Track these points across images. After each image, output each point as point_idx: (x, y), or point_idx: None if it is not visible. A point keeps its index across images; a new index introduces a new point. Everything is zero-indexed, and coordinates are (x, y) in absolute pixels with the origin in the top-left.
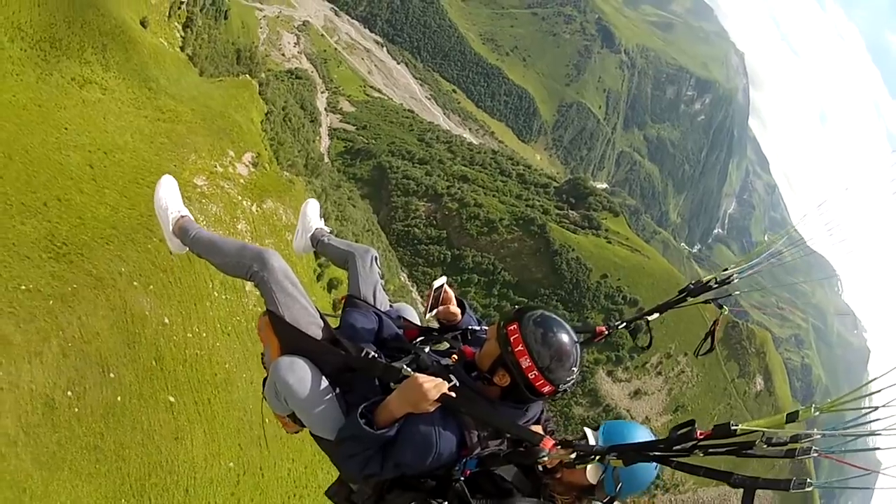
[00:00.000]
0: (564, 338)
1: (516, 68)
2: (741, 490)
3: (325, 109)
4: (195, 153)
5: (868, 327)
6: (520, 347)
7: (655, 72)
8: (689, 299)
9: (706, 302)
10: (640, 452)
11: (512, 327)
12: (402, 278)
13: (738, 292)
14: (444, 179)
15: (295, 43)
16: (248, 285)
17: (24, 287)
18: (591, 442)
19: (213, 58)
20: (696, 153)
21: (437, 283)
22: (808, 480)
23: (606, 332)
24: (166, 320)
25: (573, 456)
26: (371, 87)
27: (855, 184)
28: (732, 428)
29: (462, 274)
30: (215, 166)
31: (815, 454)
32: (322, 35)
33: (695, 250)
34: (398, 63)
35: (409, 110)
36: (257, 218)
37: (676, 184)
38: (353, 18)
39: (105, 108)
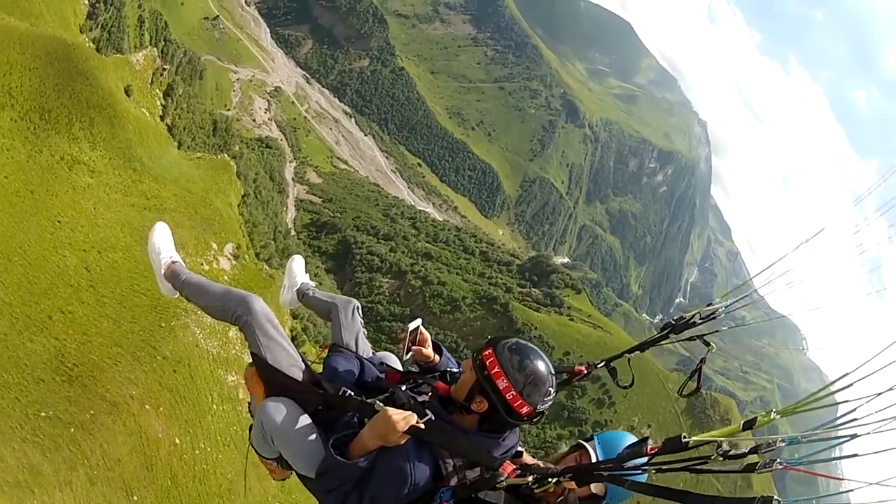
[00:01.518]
0: (539, 363)
1: (481, 143)
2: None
3: (293, 180)
4: (182, 250)
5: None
6: (496, 370)
7: (618, 145)
8: (672, 335)
9: (690, 339)
10: (591, 473)
11: (487, 352)
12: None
13: (724, 328)
14: (407, 256)
15: (266, 109)
16: (241, 392)
17: (44, 414)
18: (592, 456)
19: (191, 129)
20: (657, 224)
21: (411, 326)
22: (774, 497)
23: (586, 372)
24: (177, 440)
25: (530, 479)
26: (338, 157)
27: (813, 239)
28: (684, 440)
29: None
30: (202, 264)
31: (780, 467)
32: (293, 102)
33: (656, 320)
34: (365, 135)
35: (374, 184)
36: None
37: (638, 255)
38: (323, 87)
39: (94, 195)
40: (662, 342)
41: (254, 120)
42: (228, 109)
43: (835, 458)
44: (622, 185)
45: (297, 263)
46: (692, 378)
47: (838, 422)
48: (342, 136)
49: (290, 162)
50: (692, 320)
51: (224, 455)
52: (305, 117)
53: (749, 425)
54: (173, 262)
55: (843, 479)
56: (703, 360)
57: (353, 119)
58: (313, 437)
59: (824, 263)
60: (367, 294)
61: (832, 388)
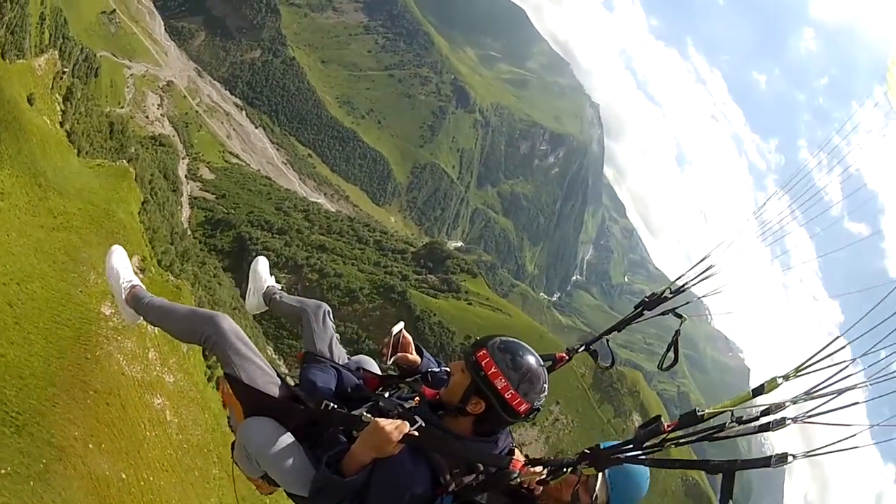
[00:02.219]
0: (531, 359)
1: (371, 131)
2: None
3: (186, 177)
4: (94, 271)
5: (743, 348)
6: (493, 370)
7: (509, 129)
8: (646, 313)
9: (664, 313)
10: (610, 457)
11: (481, 353)
12: (269, 352)
13: (696, 299)
14: (303, 249)
15: (158, 105)
16: (168, 413)
17: (3, 472)
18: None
19: (89, 133)
20: (550, 205)
21: (395, 330)
22: (789, 453)
23: (567, 358)
24: (123, 475)
25: (545, 472)
26: (230, 152)
27: (712, 206)
28: (699, 414)
29: None
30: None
31: (791, 422)
32: (185, 97)
33: (554, 298)
34: (256, 127)
35: (266, 177)
36: (164, 345)
37: (532, 236)
38: (215, 80)
39: (6, 220)
40: (638, 319)
41: (147, 117)
42: (122, 107)
43: (847, 406)
44: (513, 168)
45: (262, 265)
46: (669, 351)
47: (833, 379)
48: (233, 129)
49: (182, 159)
50: (663, 295)
51: (164, 481)
52: (197, 112)
53: (758, 392)
54: (133, 287)
55: (847, 426)
56: (678, 333)
57: (244, 112)
58: (298, 455)
59: (723, 235)
60: None
61: (828, 350)
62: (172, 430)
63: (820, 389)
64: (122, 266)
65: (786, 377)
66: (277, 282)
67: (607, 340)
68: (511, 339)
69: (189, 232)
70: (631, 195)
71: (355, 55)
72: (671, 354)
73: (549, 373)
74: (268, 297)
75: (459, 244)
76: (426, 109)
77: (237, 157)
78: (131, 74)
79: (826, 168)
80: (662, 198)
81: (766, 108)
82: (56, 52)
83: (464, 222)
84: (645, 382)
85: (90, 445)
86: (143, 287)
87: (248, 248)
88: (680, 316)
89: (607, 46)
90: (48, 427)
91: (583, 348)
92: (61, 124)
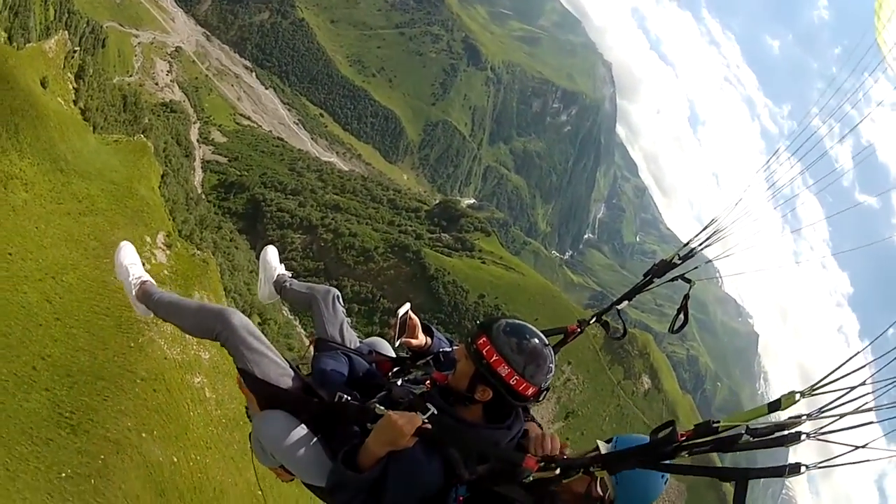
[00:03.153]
0: (536, 341)
1: (382, 89)
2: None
3: (198, 141)
4: None
5: (753, 314)
6: (494, 357)
7: (521, 86)
8: (656, 280)
9: (673, 280)
10: (623, 460)
11: (481, 341)
12: (285, 313)
13: (706, 262)
14: (317, 210)
15: (167, 71)
16: (207, 391)
17: (64, 475)
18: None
19: (103, 108)
20: (562, 163)
21: (401, 312)
22: (802, 463)
23: (579, 330)
24: (174, 459)
25: (557, 471)
26: (241, 114)
27: (723, 171)
28: (714, 425)
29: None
30: (144, 264)
31: (806, 438)
32: (193, 61)
33: (566, 256)
34: (266, 88)
35: (278, 138)
36: None
37: (544, 194)
38: (224, 43)
39: (33, 212)
40: (648, 287)
41: (156, 84)
42: (131, 75)
43: (861, 425)
44: (526, 125)
45: (271, 254)
46: (679, 314)
47: (849, 396)
48: (244, 91)
49: (193, 123)
50: (672, 261)
51: (210, 459)
52: (207, 75)
53: (775, 407)
54: (143, 283)
55: (858, 447)
56: (687, 297)
57: (253, 73)
58: (313, 448)
59: (735, 199)
60: (281, 251)
61: (843, 371)
62: (212, 406)
63: (834, 407)
64: (132, 262)
65: (803, 394)
66: (288, 270)
67: (619, 311)
68: (513, 320)
69: (203, 196)
70: (643, 155)
71: (365, 14)
72: (682, 317)
73: (562, 345)
74: (279, 285)
75: (472, 201)
76: (437, 67)
77: (248, 118)
78: (139, 43)
79: (837, 136)
80: (675, 158)
81: (779, 74)
82: (66, 32)
83: (476, 179)
84: (655, 345)
85: (143, 434)
86: (154, 283)
87: (262, 209)
88: (689, 281)
89: (619, 5)
90: (102, 422)
91: (594, 319)
92: (75, 102)
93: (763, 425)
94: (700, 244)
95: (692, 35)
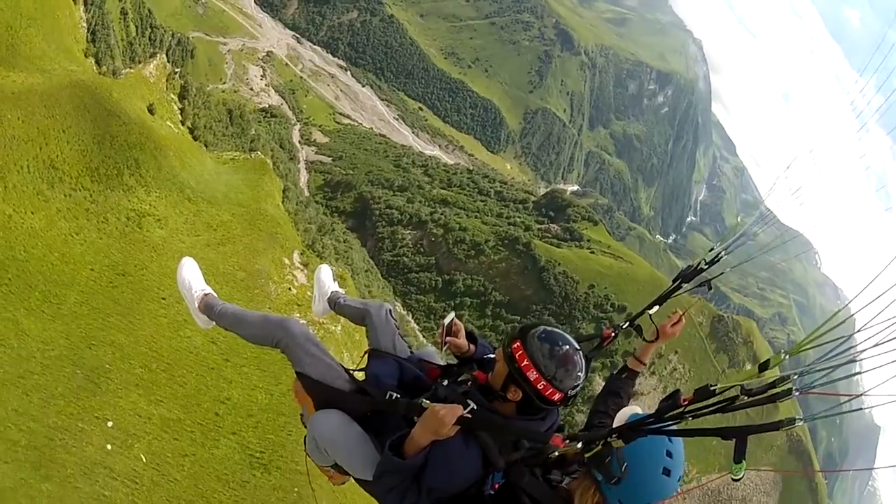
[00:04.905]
0: (567, 348)
1: (479, 80)
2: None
3: (300, 143)
4: (271, 281)
5: (850, 295)
6: (525, 362)
7: (616, 69)
8: (685, 285)
9: (700, 285)
10: (636, 430)
11: (515, 345)
12: (398, 306)
13: (728, 270)
14: (425, 205)
15: (261, 76)
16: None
17: None
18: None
19: (211, 125)
20: (662, 145)
21: (446, 320)
22: (797, 417)
23: (613, 335)
24: (352, 479)
25: (580, 445)
26: (340, 113)
27: (818, 149)
28: (711, 388)
29: (454, 298)
30: (289, 289)
31: (797, 393)
32: (286, 64)
33: (670, 241)
34: (363, 86)
35: (380, 135)
36: (355, 333)
37: (646, 177)
38: (314, 44)
39: (173, 248)
40: (676, 293)
41: (251, 89)
42: (224, 83)
43: (835, 380)
44: (623, 108)
45: (325, 273)
46: (649, 308)
47: (835, 352)
48: (340, 90)
49: (294, 125)
50: (699, 267)
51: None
52: (301, 77)
53: (764, 367)
54: (206, 295)
55: (856, 396)
56: (705, 289)
57: (348, 72)
58: (364, 443)
59: (830, 176)
60: (391, 248)
61: (830, 325)
62: None
63: (818, 363)
64: (193, 277)
65: (789, 353)
66: (400, 265)
67: (650, 315)
68: (549, 327)
69: (311, 198)
70: (741, 132)
71: (453, 6)
72: (650, 312)
73: (597, 350)
74: (332, 301)
75: (576, 188)
76: (532, 54)
77: (348, 117)
78: (228, 50)
79: None
80: (771, 134)
81: (862, 46)
82: (163, 55)
83: (578, 165)
84: (758, 331)
85: None
86: (216, 295)
87: (371, 207)
88: (710, 287)
89: None
90: (290, 456)
91: (627, 324)
92: (182, 123)
93: (758, 385)
94: (721, 252)
95: (776, 6)
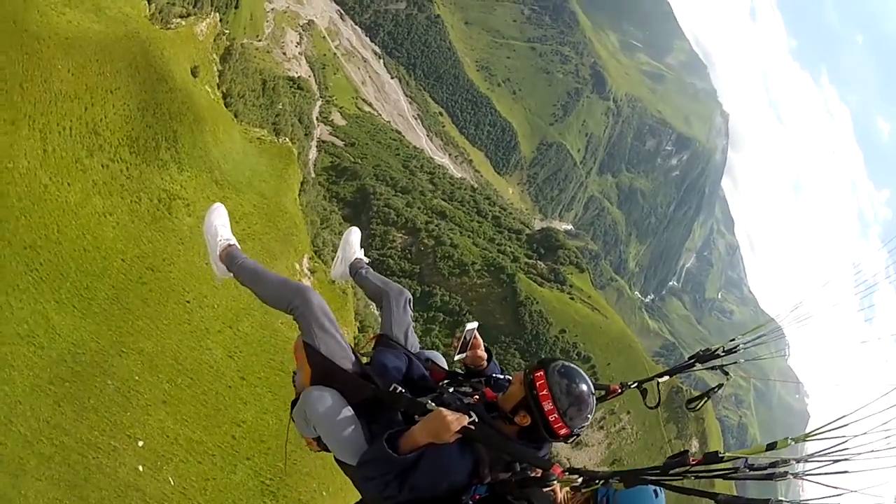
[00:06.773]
0: (584, 388)
1: (505, 100)
2: None
3: (317, 119)
4: None
5: (811, 393)
6: (544, 392)
7: (639, 122)
8: (698, 365)
9: (713, 368)
10: (639, 476)
11: (538, 374)
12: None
13: (742, 360)
14: (423, 213)
15: (297, 42)
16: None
17: None
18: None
19: (244, 93)
20: (664, 206)
21: (468, 328)
22: (783, 499)
23: (620, 391)
24: None
25: (580, 480)
26: (363, 99)
27: (828, 274)
28: (720, 455)
29: (429, 311)
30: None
31: (792, 477)
32: (324, 37)
33: (647, 300)
34: (392, 77)
35: (396, 131)
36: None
37: (640, 233)
38: (356, 24)
39: (198, 241)
40: (689, 370)
41: (284, 53)
42: (260, 40)
43: (837, 473)
44: (636, 162)
45: (355, 236)
46: (703, 398)
47: (831, 450)
48: (369, 76)
49: (316, 101)
50: (716, 352)
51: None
52: (335, 54)
53: (771, 447)
54: (230, 245)
55: (845, 492)
56: (720, 386)
57: (381, 60)
58: (355, 429)
59: (819, 278)
60: (380, 247)
61: (834, 426)
62: None
63: (818, 456)
64: (222, 224)
65: (795, 440)
66: (383, 267)
67: (657, 383)
68: (571, 364)
69: (313, 174)
70: (743, 211)
71: (500, 22)
72: (702, 400)
73: (601, 401)
74: (354, 269)
75: (569, 227)
76: (562, 88)
77: (370, 105)
78: (272, 9)
79: None
80: (772, 222)
81: (884, 158)
82: (217, 14)
83: (578, 206)
84: (713, 409)
85: (324, 493)
86: (239, 247)
87: (371, 201)
88: (727, 374)
89: (746, 57)
90: (294, 486)
91: (635, 385)
92: (218, 86)
93: (761, 462)
94: (741, 345)
95: (810, 100)
